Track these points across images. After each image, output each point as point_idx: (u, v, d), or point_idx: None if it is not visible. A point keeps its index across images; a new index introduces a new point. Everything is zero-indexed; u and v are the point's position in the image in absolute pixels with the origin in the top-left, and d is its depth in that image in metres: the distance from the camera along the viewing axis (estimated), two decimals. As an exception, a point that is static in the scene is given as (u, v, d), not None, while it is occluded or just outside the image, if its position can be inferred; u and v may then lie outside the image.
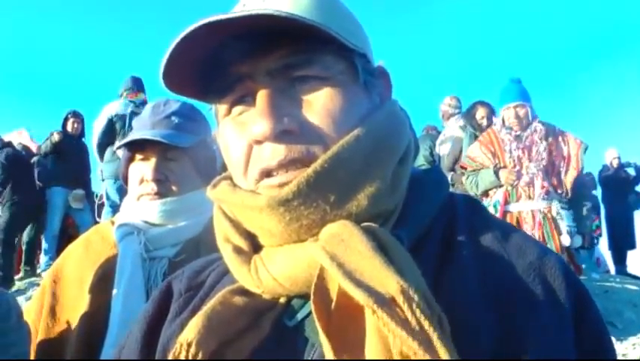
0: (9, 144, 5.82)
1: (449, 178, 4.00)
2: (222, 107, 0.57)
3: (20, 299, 3.87)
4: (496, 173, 3.38)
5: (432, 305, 0.42)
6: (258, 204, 0.51)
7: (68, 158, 5.53)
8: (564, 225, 3.17)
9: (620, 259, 7.15)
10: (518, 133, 3.36)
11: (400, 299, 0.40)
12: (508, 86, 3.54)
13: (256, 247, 0.55)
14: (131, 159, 1.20)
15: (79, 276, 1.14)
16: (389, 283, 0.41)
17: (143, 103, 4.78)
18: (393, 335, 0.39)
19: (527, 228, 3.15)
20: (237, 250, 0.55)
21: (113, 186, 4.90)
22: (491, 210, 3.23)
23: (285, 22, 0.48)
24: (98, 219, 5.29)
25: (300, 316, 0.52)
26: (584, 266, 5.32)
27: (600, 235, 7.48)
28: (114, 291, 1.06)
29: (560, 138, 3.35)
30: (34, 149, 6.36)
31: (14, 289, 4.95)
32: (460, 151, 4.30)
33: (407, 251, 0.48)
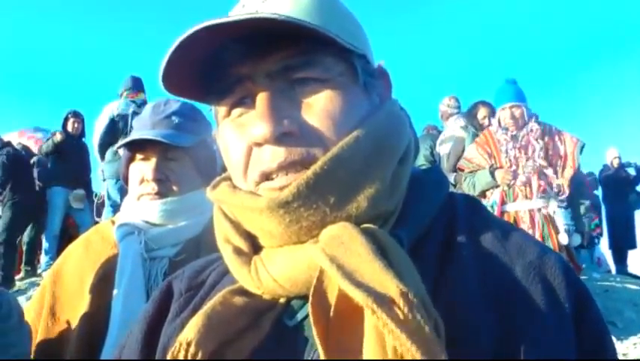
0: (9, 144, 5.82)
1: (452, 179, 4.00)
2: (222, 109, 0.57)
3: (21, 299, 3.87)
4: (492, 173, 3.39)
5: (429, 309, 0.42)
6: (258, 206, 0.51)
7: (69, 158, 5.52)
8: (562, 223, 3.17)
9: (620, 259, 7.16)
10: (514, 133, 3.37)
11: (399, 301, 0.40)
12: (503, 87, 3.55)
13: (256, 247, 0.55)
14: (131, 159, 1.21)
15: (79, 276, 1.14)
16: (388, 286, 0.41)
17: (144, 103, 4.77)
18: (392, 335, 0.39)
19: (525, 227, 3.15)
20: (237, 251, 0.55)
21: (115, 186, 4.90)
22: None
23: (285, 25, 0.48)
24: (97, 218, 5.29)
25: (300, 316, 0.52)
26: (584, 266, 5.32)
27: (601, 234, 7.48)
28: (114, 291, 1.06)
29: (557, 137, 3.35)
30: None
31: (15, 289, 4.96)
32: (463, 151, 4.30)
33: (407, 251, 0.48)
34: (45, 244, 5.60)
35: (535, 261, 0.52)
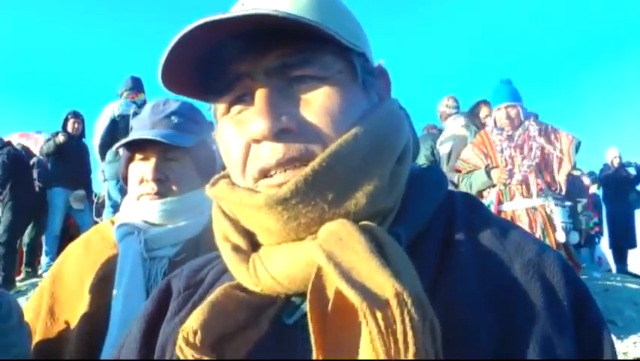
0: (9, 144, 5.82)
1: (456, 179, 4.01)
2: (221, 106, 0.57)
3: (21, 300, 3.87)
4: (488, 173, 3.40)
5: (425, 309, 0.41)
6: (257, 203, 0.51)
7: (69, 158, 5.52)
8: (559, 221, 3.17)
9: (620, 258, 7.16)
10: (510, 133, 3.38)
11: (393, 303, 0.40)
12: (498, 87, 3.56)
13: (255, 245, 0.55)
14: (130, 159, 1.21)
15: (79, 276, 1.14)
16: (384, 285, 0.41)
17: (144, 103, 4.76)
18: (383, 341, 0.39)
19: (522, 226, 3.16)
20: (236, 249, 0.55)
21: (116, 187, 4.89)
22: (486, 210, 3.24)
23: (284, 22, 0.48)
24: (96, 219, 5.29)
25: (298, 313, 0.52)
26: (584, 265, 5.32)
27: (601, 233, 7.48)
28: (114, 291, 1.06)
29: (553, 136, 3.36)
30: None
31: (15, 290, 4.96)
32: (466, 150, 4.31)
33: (405, 249, 0.47)
34: (45, 245, 5.60)
35: (534, 259, 0.52)
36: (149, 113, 1.21)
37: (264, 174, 0.52)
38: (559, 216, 3.18)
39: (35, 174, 5.73)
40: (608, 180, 7.47)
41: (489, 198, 3.40)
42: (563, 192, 3.26)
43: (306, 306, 0.44)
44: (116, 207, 4.67)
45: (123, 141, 1.18)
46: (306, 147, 0.51)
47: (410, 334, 0.39)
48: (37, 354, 1.06)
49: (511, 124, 3.39)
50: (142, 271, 1.08)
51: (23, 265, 5.75)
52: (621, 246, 7.24)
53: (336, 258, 0.44)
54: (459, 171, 3.74)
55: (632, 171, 7.42)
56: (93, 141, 5.13)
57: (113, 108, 4.91)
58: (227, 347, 0.49)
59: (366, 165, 0.51)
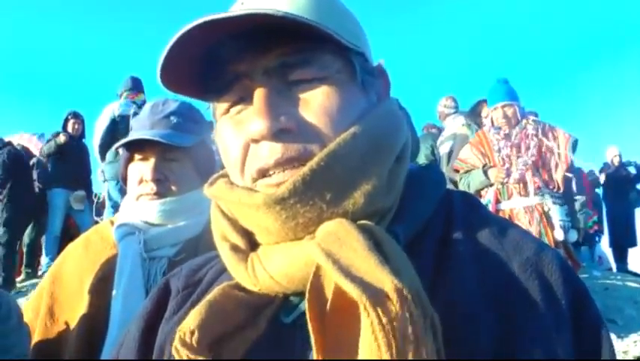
0: (9, 143, 5.82)
1: (457, 178, 4.01)
2: (220, 106, 0.57)
3: (21, 301, 3.88)
4: (486, 172, 3.40)
5: (425, 306, 0.42)
6: (255, 202, 0.51)
7: (69, 159, 5.51)
8: (557, 219, 3.17)
9: (621, 257, 7.17)
10: (507, 132, 3.38)
11: (393, 298, 0.40)
12: (495, 87, 3.56)
13: (253, 244, 0.55)
14: (130, 159, 1.21)
15: (78, 276, 1.14)
16: (384, 281, 0.41)
17: (144, 103, 4.76)
18: (384, 333, 0.39)
19: (520, 225, 3.15)
20: (234, 248, 0.55)
21: (116, 187, 4.89)
22: (484, 209, 3.24)
23: (283, 21, 0.48)
24: (97, 218, 5.29)
25: (296, 312, 0.52)
26: (584, 264, 5.32)
27: (601, 231, 7.48)
28: (114, 291, 1.06)
29: (550, 134, 3.36)
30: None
31: (15, 291, 4.96)
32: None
33: (403, 248, 0.47)
34: (46, 246, 5.60)
35: (532, 258, 0.52)
36: (148, 113, 1.21)
37: (263, 173, 0.52)
38: (557, 215, 3.18)
39: (35, 175, 5.72)
40: (608, 178, 7.47)
41: (487, 198, 3.40)
42: (561, 191, 3.26)
43: (304, 305, 0.44)
44: (116, 208, 4.67)
45: (122, 141, 1.18)
46: (305, 147, 0.51)
47: (411, 328, 0.39)
48: (37, 354, 1.06)
49: (508, 123, 3.39)
50: (141, 271, 1.08)
51: (23, 266, 5.74)
52: (621, 245, 7.25)
53: (334, 256, 0.44)
54: (457, 171, 3.74)
55: (632, 170, 7.43)
56: (93, 141, 5.13)
57: (113, 108, 4.91)
58: (225, 346, 0.49)
59: (365, 164, 0.51)
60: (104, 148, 4.91)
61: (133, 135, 1.18)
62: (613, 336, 3.28)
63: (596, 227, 7.38)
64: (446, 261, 0.52)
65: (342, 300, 0.42)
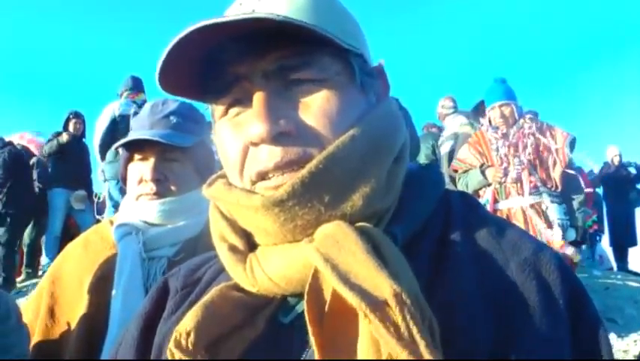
0: (10, 143, 5.82)
1: (457, 178, 4.01)
2: (219, 108, 0.57)
3: (22, 301, 3.88)
4: (483, 172, 3.40)
5: (423, 309, 0.42)
6: (253, 204, 0.51)
7: (69, 159, 5.51)
8: (555, 218, 3.16)
9: (621, 257, 7.17)
10: (505, 131, 3.38)
11: (392, 303, 0.40)
12: (492, 87, 3.56)
13: (251, 245, 0.55)
14: (129, 159, 1.21)
15: (78, 276, 1.14)
16: (382, 286, 0.41)
17: (145, 103, 4.75)
18: (383, 339, 0.39)
19: (518, 224, 3.15)
20: (233, 249, 0.55)
21: (116, 187, 4.88)
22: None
23: (282, 24, 0.48)
24: (98, 217, 5.29)
25: (294, 313, 0.52)
26: (584, 264, 5.31)
27: (601, 230, 7.48)
28: (113, 291, 1.06)
29: (548, 133, 3.35)
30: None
31: (16, 291, 4.96)
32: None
33: (401, 248, 0.48)
34: (46, 246, 5.60)
35: (530, 258, 0.52)
36: (148, 113, 1.21)
37: (262, 176, 0.52)
38: (554, 213, 3.18)
39: (35, 175, 5.72)
40: (609, 178, 7.47)
41: (485, 197, 3.40)
42: (559, 189, 3.26)
43: (302, 306, 0.44)
44: (117, 208, 4.66)
45: (122, 141, 1.18)
46: (304, 150, 0.51)
47: (409, 331, 0.39)
48: (37, 354, 1.06)
49: (505, 123, 3.39)
50: (141, 271, 1.08)
51: (24, 266, 5.74)
52: (622, 244, 7.25)
53: (333, 260, 0.44)
54: (455, 171, 3.74)
55: (632, 170, 7.43)
56: (93, 141, 5.12)
57: (114, 108, 4.90)
58: (223, 347, 0.49)
59: (364, 166, 0.51)
60: (104, 148, 4.90)
61: (132, 135, 1.18)
62: (613, 335, 3.28)
63: (595, 226, 7.37)
64: (444, 261, 0.52)
65: (340, 303, 0.43)
